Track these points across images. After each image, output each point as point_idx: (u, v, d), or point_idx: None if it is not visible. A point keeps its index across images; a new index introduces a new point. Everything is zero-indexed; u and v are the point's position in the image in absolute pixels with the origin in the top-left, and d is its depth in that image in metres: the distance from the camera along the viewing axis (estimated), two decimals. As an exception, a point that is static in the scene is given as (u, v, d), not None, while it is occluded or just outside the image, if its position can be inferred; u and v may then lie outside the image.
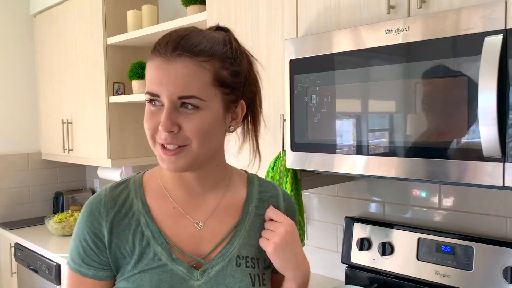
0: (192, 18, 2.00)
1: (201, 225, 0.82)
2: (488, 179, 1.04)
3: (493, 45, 1.00)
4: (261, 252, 0.84)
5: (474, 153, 1.06)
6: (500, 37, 1.00)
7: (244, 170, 0.93)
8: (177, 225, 0.81)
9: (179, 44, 0.73)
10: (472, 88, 1.05)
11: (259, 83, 0.88)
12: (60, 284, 2.31)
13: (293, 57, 1.41)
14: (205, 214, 0.83)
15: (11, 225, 2.87)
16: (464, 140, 1.07)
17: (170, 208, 0.82)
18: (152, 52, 0.76)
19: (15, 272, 2.75)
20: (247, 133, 0.90)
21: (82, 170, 3.34)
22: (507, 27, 1.00)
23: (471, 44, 1.05)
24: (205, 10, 1.99)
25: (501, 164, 1.02)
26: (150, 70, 0.76)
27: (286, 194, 0.94)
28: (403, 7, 1.23)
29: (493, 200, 1.45)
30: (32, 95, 3.13)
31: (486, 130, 1.01)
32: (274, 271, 0.87)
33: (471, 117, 1.06)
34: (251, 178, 0.91)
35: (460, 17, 1.07)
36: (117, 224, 0.80)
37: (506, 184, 1.02)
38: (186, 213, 0.82)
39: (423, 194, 1.60)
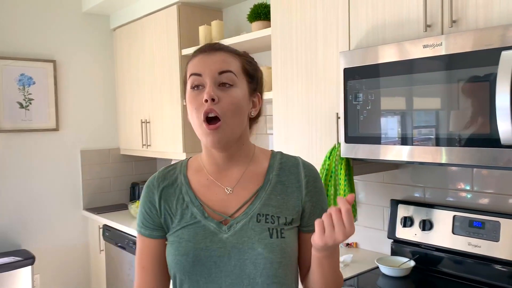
0: (257, 33, 2.36)
1: (230, 190, 1.02)
2: (506, 163, 1.33)
3: (508, 57, 1.29)
4: (282, 211, 1.00)
5: (495, 142, 1.35)
6: (513, 51, 1.29)
7: (272, 150, 1.11)
8: (209, 192, 1.02)
9: (215, 45, 1.02)
10: (492, 91, 1.34)
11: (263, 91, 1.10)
12: (145, 257, 2.74)
13: (347, 66, 1.74)
14: (233, 182, 1.03)
15: (98, 210, 3.36)
16: (487, 131, 1.37)
17: (204, 179, 1.04)
18: (193, 54, 1.01)
19: (103, 250, 3.23)
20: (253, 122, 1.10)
21: (153, 164, 3.81)
22: (519, 44, 1.29)
23: (491, 57, 1.34)
24: (268, 26, 2.35)
25: (515, 150, 1.31)
26: (192, 61, 1.00)
27: (307, 163, 1.06)
28: (438, 26, 1.54)
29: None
30: (112, 99, 3.63)
31: (503, 124, 1.30)
32: (305, 231, 1.03)
33: (492, 114, 1.35)
34: (274, 154, 1.08)
35: (483, 35, 1.36)
36: (165, 193, 1.04)
37: (520, 166, 1.31)
38: (218, 181, 1.03)
39: (458, 179, 1.89)
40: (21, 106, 3.21)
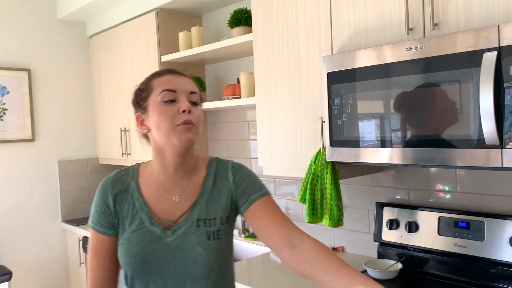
0: (238, 39, 2.35)
1: (177, 199, 1.16)
2: (490, 162, 1.35)
3: (490, 59, 1.31)
4: (218, 213, 1.15)
5: (479, 142, 1.36)
6: (495, 53, 1.31)
7: (210, 156, 1.27)
8: (158, 200, 1.16)
9: (177, 70, 1.20)
10: (475, 92, 1.36)
11: None
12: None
13: (330, 70, 1.75)
14: (178, 192, 1.17)
15: (77, 222, 3.27)
16: (471, 132, 1.38)
17: (154, 188, 1.17)
18: (160, 73, 1.17)
19: (83, 262, 3.14)
20: None
21: (133, 173, 3.73)
22: (500, 45, 1.31)
23: (473, 59, 1.36)
24: (249, 31, 2.34)
25: (500, 150, 1.33)
26: (165, 78, 1.15)
27: (235, 165, 1.23)
28: (420, 29, 1.55)
29: (499, 182, 1.75)
30: (90, 108, 3.55)
31: (486, 124, 1.32)
32: (248, 205, 1.15)
33: (476, 115, 1.37)
34: (211, 161, 1.23)
35: (465, 37, 1.38)
36: (119, 197, 1.16)
37: (504, 166, 1.32)
38: (166, 192, 1.17)
39: (441, 180, 1.91)
40: (-5, 116, 3.11)
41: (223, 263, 1.15)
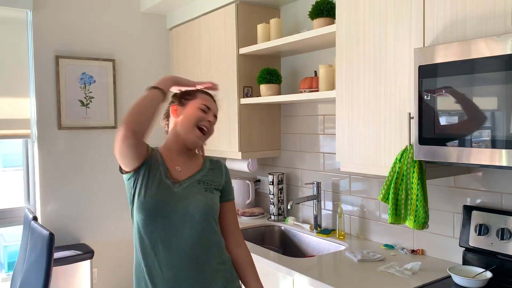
0: (319, 30, 2.30)
1: (179, 168, 1.61)
2: None
3: None
4: (213, 183, 1.64)
5: None
6: None
7: (203, 156, 1.75)
8: (171, 167, 1.60)
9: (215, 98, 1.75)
10: None
11: None
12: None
13: (422, 64, 1.65)
14: (182, 165, 1.63)
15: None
16: None
17: (168, 160, 1.61)
18: (205, 93, 1.70)
19: (158, 247, 3.27)
20: None
21: (206, 163, 3.82)
22: None
23: None
24: (331, 23, 2.28)
25: None
26: (206, 97, 1.69)
27: (224, 166, 1.75)
28: (528, 19, 1.42)
29: None
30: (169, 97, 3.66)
31: None
32: (224, 201, 1.68)
33: None
34: (205, 158, 1.72)
35: None
36: (153, 153, 1.61)
37: None
38: (174, 163, 1.62)
39: (542, 186, 1.75)
40: (82, 104, 3.31)
41: (215, 214, 1.61)
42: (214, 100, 1.71)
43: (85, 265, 3.05)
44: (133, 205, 1.57)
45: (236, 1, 2.84)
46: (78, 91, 3.28)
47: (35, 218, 2.60)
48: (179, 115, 1.63)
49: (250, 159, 2.97)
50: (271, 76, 2.73)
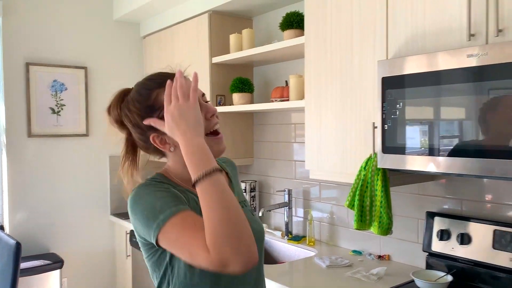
0: (289, 42, 2.36)
1: None
2: (555, 176, 1.28)
3: (559, 68, 1.25)
4: (243, 197, 1.27)
5: (544, 155, 1.30)
6: None
7: None
8: None
9: (172, 73, 1.16)
10: (542, 102, 1.30)
11: None
12: (172, 264, 2.75)
13: (385, 75, 1.72)
14: None
15: (125, 216, 3.39)
16: (535, 144, 1.32)
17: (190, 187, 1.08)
18: (161, 83, 1.09)
19: (129, 255, 3.25)
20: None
21: (179, 171, 3.82)
22: None
23: (541, 67, 1.30)
24: (301, 34, 2.34)
25: None
26: (168, 90, 1.06)
27: (228, 159, 1.35)
28: (482, 35, 1.50)
29: None
30: (141, 105, 3.66)
31: (553, 136, 1.26)
32: None
33: (541, 126, 1.31)
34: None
35: (532, 44, 1.32)
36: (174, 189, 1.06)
37: None
38: None
39: (497, 192, 1.84)
40: (53, 111, 3.27)
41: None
42: (181, 75, 1.06)
43: (54, 275, 3.00)
44: (171, 265, 1.07)
45: (209, 11, 2.88)
46: (49, 98, 3.25)
47: (1, 227, 2.56)
48: (170, 144, 1.09)
49: (222, 167, 2.99)
50: (244, 85, 2.78)
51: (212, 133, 1.10)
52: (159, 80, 1.10)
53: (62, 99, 3.30)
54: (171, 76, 1.10)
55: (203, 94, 1.14)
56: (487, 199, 1.87)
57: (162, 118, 1.05)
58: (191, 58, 3.04)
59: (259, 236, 1.13)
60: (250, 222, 1.02)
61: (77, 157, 3.39)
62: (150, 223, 0.98)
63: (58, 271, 3.02)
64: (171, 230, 0.96)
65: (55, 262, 3.01)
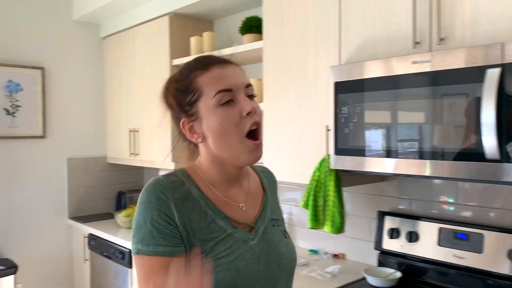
0: (248, 46, 2.40)
1: (244, 206, 1.03)
2: (490, 176, 1.38)
3: (493, 75, 1.35)
4: (279, 214, 1.12)
5: (481, 156, 1.39)
6: (498, 69, 1.34)
7: None
8: (227, 208, 0.99)
9: (224, 57, 1.01)
10: (477, 107, 1.39)
11: None
12: (131, 267, 2.73)
13: (337, 80, 1.79)
14: (243, 198, 1.04)
15: (83, 219, 3.33)
16: (473, 146, 1.41)
17: (219, 197, 0.99)
18: (205, 67, 0.97)
19: (88, 259, 3.19)
20: None
21: (141, 173, 3.79)
22: (504, 62, 1.34)
23: (476, 74, 1.39)
24: (260, 39, 2.39)
25: (500, 164, 1.35)
26: (213, 74, 0.95)
27: (273, 173, 1.21)
28: (426, 43, 1.59)
29: (500, 196, 1.77)
30: (101, 107, 3.61)
31: (488, 139, 1.35)
32: None
33: (478, 129, 1.39)
34: (252, 165, 1.14)
35: (470, 53, 1.41)
36: (181, 205, 0.93)
37: (504, 180, 1.35)
38: (231, 200, 1.02)
39: (444, 192, 1.94)
40: (8, 112, 3.18)
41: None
42: (226, 61, 0.99)
43: (7, 280, 2.91)
44: None
45: (170, 14, 2.88)
46: (3, 99, 3.15)
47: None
48: (199, 135, 0.99)
49: (183, 169, 2.99)
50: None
51: (247, 136, 0.95)
52: (205, 62, 0.98)
53: (17, 100, 3.21)
54: (219, 61, 0.98)
55: (247, 86, 0.98)
56: (435, 199, 1.97)
57: (195, 101, 0.96)
58: (151, 60, 3.03)
59: (287, 263, 1.02)
60: (278, 246, 1.01)
61: (33, 159, 3.30)
62: (133, 239, 0.94)
63: (12, 276, 2.92)
64: (137, 263, 0.92)
65: (9, 268, 2.92)
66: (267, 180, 1.15)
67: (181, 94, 0.98)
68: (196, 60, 1.01)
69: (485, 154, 1.36)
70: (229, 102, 0.94)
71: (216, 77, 0.95)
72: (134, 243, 0.92)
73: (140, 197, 0.95)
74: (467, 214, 1.87)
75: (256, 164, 1.06)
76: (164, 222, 0.90)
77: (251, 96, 0.98)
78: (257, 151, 0.97)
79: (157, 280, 0.86)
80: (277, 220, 1.08)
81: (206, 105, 0.95)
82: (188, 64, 1.01)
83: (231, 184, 1.03)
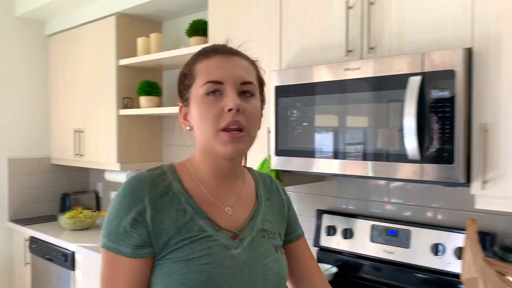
0: (195, 48, 2.43)
1: (230, 210, 0.95)
2: (411, 175, 1.49)
3: (414, 82, 1.47)
4: (276, 227, 1.01)
5: (404, 157, 1.51)
6: (419, 77, 1.46)
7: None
8: (211, 209, 0.92)
9: (232, 49, 0.96)
10: (402, 112, 1.51)
11: None
12: (74, 269, 2.68)
13: (277, 84, 1.86)
14: (231, 201, 0.96)
15: (25, 222, 3.23)
16: (397, 147, 1.52)
17: (205, 195, 0.93)
18: (206, 54, 0.93)
19: (29, 263, 3.10)
20: None
21: (86, 174, 3.72)
22: (424, 71, 1.46)
23: (400, 81, 1.51)
24: (206, 42, 2.43)
25: (420, 164, 1.47)
26: (210, 62, 0.91)
27: (279, 182, 1.13)
28: (357, 51, 1.70)
29: (424, 194, 1.92)
30: (45, 107, 3.52)
31: (409, 141, 1.46)
32: (293, 239, 1.06)
33: (401, 132, 1.51)
34: (252, 170, 1.09)
35: (394, 62, 1.53)
36: (158, 200, 0.88)
37: (423, 178, 1.47)
38: (217, 201, 0.94)
39: (377, 191, 2.06)
40: None
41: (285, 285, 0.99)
42: (231, 52, 0.95)
43: None
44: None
45: (116, 14, 2.86)
46: None
47: None
48: (189, 122, 0.97)
49: (129, 171, 2.98)
50: (151, 89, 2.80)
51: (222, 130, 0.89)
52: (209, 49, 0.95)
53: (-47, 98, 3.07)
54: (224, 51, 0.94)
55: (244, 83, 0.91)
56: (370, 198, 2.09)
57: (189, 87, 0.93)
58: (98, 60, 2.99)
59: (273, 279, 0.93)
60: (266, 260, 0.93)
61: (-30, 160, 3.16)
62: (102, 231, 0.90)
63: None
64: (102, 256, 0.89)
65: None
66: (265, 189, 1.05)
67: (183, 77, 0.96)
68: (209, 46, 0.98)
69: (407, 155, 1.48)
70: (216, 94, 0.89)
71: (213, 66, 0.91)
72: (102, 235, 0.89)
73: (119, 189, 0.91)
74: (397, 211, 2.00)
75: (263, 172, 1.09)
76: (133, 220, 0.86)
77: (245, 94, 0.91)
78: (229, 144, 0.88)
79: (115, 285, 0.85)
80: (269, 232, 0.98)
81: (195, 93, 0.91)
82: (201, 48, 0.98)
83: (221, 183, 0.96)
